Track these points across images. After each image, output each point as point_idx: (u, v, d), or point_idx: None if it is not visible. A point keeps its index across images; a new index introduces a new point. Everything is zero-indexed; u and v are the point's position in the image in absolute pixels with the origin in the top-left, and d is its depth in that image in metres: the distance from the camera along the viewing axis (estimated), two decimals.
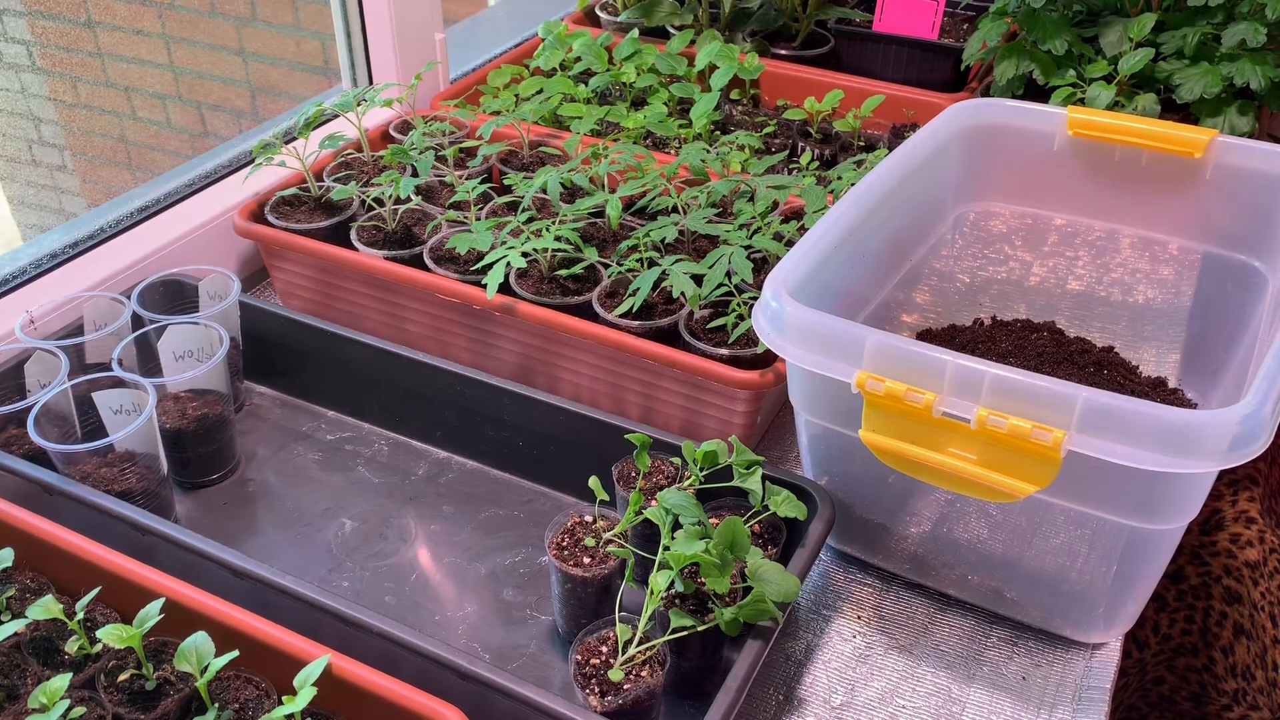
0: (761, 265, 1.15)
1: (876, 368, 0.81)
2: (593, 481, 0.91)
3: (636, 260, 1.14)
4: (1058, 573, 0.89)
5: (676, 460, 0.97)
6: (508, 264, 1.09)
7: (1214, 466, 0.74)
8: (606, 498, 0.91)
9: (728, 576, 0.82)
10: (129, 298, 1.10)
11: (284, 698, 0.72)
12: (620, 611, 0.83)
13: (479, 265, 1.12)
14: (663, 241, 1.16)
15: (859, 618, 0.97)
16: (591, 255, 1.15)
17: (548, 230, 1.14)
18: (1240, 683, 1.31)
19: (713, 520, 0.91)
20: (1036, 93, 1.41)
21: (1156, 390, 1.11)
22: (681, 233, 1.21)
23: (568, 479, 1.05)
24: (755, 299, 1.06)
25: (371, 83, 1.61)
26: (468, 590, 0.97)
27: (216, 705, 0.76)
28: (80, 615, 0.80)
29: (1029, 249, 1.21)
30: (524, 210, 1.19)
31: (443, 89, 1.63)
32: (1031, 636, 0.95)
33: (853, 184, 1.10)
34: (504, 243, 1.12)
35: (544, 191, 1.21)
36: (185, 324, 1.04)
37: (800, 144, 1.47)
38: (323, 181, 1.32)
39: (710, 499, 0.95)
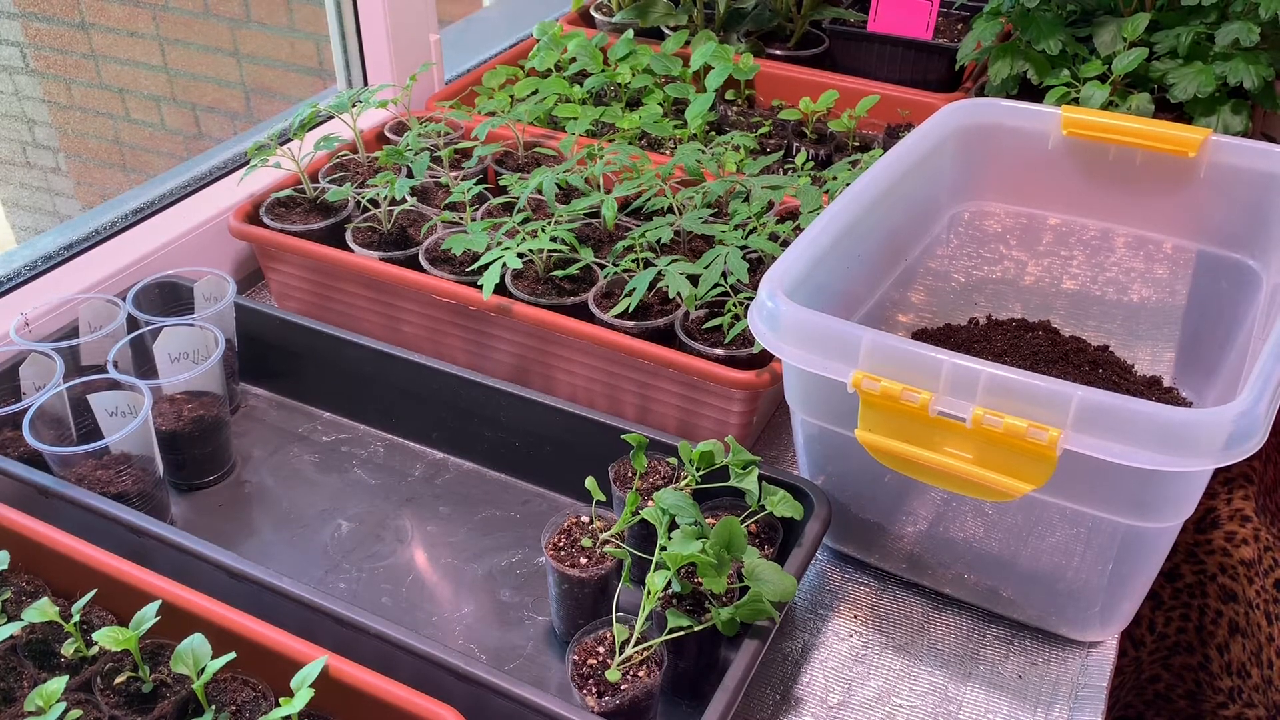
0: (757, 265, 1.15)
1: (872, 367, 0.81)
2: (589, 482, 0.91)
3: (632, 261, 1.14)
4: (1054, 571, 0.90)
5: (673, 460, 0.97)
6: (503, 265, 1.09)
7: (1209, 465, 0.74)
8: (603, 498, 0.91)
9: (724, 576, 0.82)
10: (124, 300, 1.10)
11: (281, 699, 0.72)
12: (617, 612, 0.83)
13: (474, 266, 1.12)
14: (658, 242, 1.16)
15: (855, 617, 0.97)
16: (587, 256, 1.15)
17: (543, 231, 1.14)
18: (1236, 680, 1.31)
19: (709, 520, 0.91)
20: (1031, 92, 1.42)
21: (1152, 389, 1.11)
22: (677, 233, 1.21)
23: (564, 479, 1.05)
24: (751, 299, 1.06)
25: (366, 84, 1.61)
26: (464, 591, 0.97)
27: (214, 707, 0.76)
28: (76, 618, 0.80)
29: (1024, 248, 1.21)
30: (519, 211, 1.19)
31: (438, 90, 1.63)
32: (1028, 635, 0.95)
33: (848, 184, 1.11)
34: (499, 243, 1.12)
35: (539, 192, 1.21)
36: (181, 326, 1.04)
37: (795, 144, 1.47)
38: (318, 183, 1.32)
39: (707, 499, 0.95)
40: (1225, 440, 0.73)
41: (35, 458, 0.96)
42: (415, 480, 1.09)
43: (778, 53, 1.70)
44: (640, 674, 0.80)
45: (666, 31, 1.74)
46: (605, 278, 1.14)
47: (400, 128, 1.45)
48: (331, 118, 1.51)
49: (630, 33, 1.61)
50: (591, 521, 0.92)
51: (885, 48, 1.63)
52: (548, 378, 1.14)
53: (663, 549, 0.83)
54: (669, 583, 0.82)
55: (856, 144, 1.48)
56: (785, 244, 1.15)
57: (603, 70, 1.55)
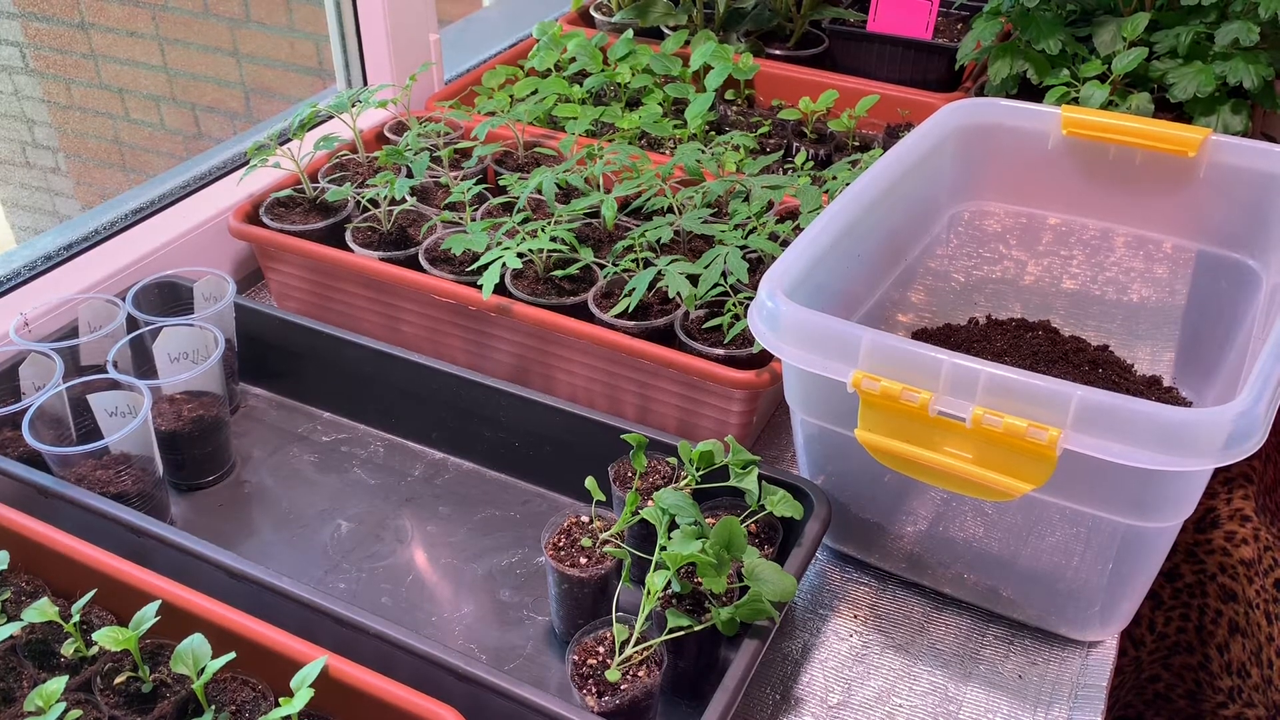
0: (757, 265, 1.15)
1: (872, 367, 0.81)
2: (589, 482, 0.91)
3: (632, 260, 1.14)
4: (1054, 571, 0.90)
5: (673, 460, 0.97)
6: (503, 265, 1.09)
7: (1209, 464, 0.74)
8: (603, 498, 0.91)
9: (724, 576, 0.82)
10: (124, 300, 1.10)
11: (281, 699, 0.72)
12: (617, 612, 0.83)
13: (474, 266, 1.12)
14: (658, 242, 1.16)
15: (855, 617, 0.97)
16: (587, 256, 1.15)
17: (543, 231, 1.14)
18: (1236, 680, 1.31)
19: (709, 520, 0.91)
20: (1031, 92, 1.42)
21: (1151, 388, 1.11)
22: (677, 233, 1.21)
23: (564, 479, 1.05)
24: (751, 299, 1.06)
25: (366, 84, 1.61)
26: (464, 591, 0.97)
27: (213, 707, 0.76)
28: (76, 618, 0.80)
29: (1024, 248, 1.21)
30: (519, 211, 1.19)
31: (437, 90, 1.63)
32: (1028, 635, 0.95)
33: (848, 184, 1.11)
34: (499, 243, 1.12)
35: (539, 192, 1.21)
36: (180, 326, 1.04)
37: (795, 144, 1.47)
38: (317, 183, 1.32)
39: (707, 499, 0.95)
40: (1225, 440, 0.73)
41: (35, 458, 0.96)
42: (415, 480, 1.09)
43: (777, 52, 1.70)
44: (640, 674, 0.80)
45: (666, 31, 1.74)
46: (605, 278, 1.14)
47: (400, 128, 1.45)
48: (331, 118, 1.51)
49: (630, 32, 1.61)
50: (591, 521, 0.92)
51: (885, 47, 1.63)
52: (548, 378, 1.14)
53: (663, 549, 0.83)
54: (669, 583, 0.82)
55: (856, 144, 1.48)
56: (785, 244, 1.15)
57: (602, 70, 1.55)
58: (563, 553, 0.89)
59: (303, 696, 0.71)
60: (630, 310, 1.08)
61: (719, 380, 1.01)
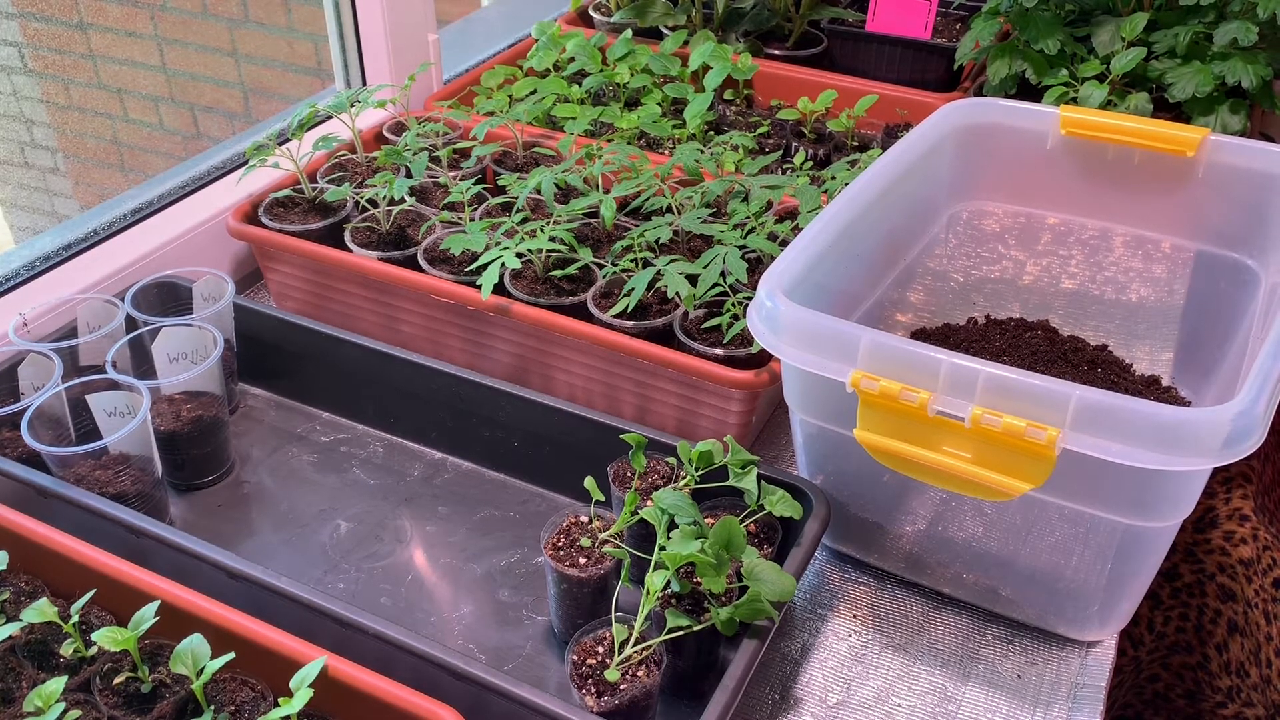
0: (756, 265, 1.15)
1: (871, 367, 0.81)
2: (588, 482, 0.91)
3: (631, 260, 1.14)
4: (1053, 571, 0.90)
5: (672, 460, 0.97)
6: (502, 265, 1.09)
7: (1208, 464, 0.74)
8: (602, 498, 0.91)
9: (723, 576, 0.82)
10: (123, 300, 1.10)
11: (280, 699, 0.72)
12: (616, 612, 0.83)
13: (473, 266, 1.12)
14: (657, 242, 1.16)
15: (854, 616, 0.97)
16: (586, 256, 1.15)
17: (542, 231, 1.14)
18: (1235, 679, 1.31)
19: (708, 520, 0.91)
20: (1029, 92, 1.42)
21: (1150, 388, 1.11)
22: (676, 233, 1.21)
23: (563, 479, 1.05)
24: (750, 299, 1.06)
25: (365, 84, 1.61)
26: (463, 591, 0.97)
27: (213, 707, 0.76)
28: (75, 618, 0.80)
29: (1022, 248, 1.21)
30: (518, 211, 1.19)
31: (436, 90, 1.63)
32: (1027, 634, 0.95)
33: (846, 184, 1.11)
34: (498, 243, 1.12)
35: (538, 192, 1.21)
36: (179, 326, 1.04)
37: (794, 144, 1.47)
38: (316, 183, 1.32)
39: (706, 499, 0.95)
40: (1224, 439, 0.73)
41: (34, 458, 0.96)
42: (414, 480, 1.09)
43: (776, 52, 1.70)
44: (639, 674, 0.80)
45: (665, 31, 1.74)
46: (604, 277, 1.14)
47: (399, 128, 1.45)
48: (330, 118, 1.50)
49: (629, 32, 1.61)
50: (590, 521, 0.92)
51: (884, 47, 1.63)
52: (546, 377, 1.14)
53: (662, 549, 0.83)
54: (668, 582, 0.82)
55: (855, 144, 1.48)
56: (784, 244, 1.15)
57: (601, 70, 1.55)
58: (562, 553, 0.89)
59: (302, 696, 0.71)
60: (629, 310, 1.08)
61: (718, 380, 1.02)
